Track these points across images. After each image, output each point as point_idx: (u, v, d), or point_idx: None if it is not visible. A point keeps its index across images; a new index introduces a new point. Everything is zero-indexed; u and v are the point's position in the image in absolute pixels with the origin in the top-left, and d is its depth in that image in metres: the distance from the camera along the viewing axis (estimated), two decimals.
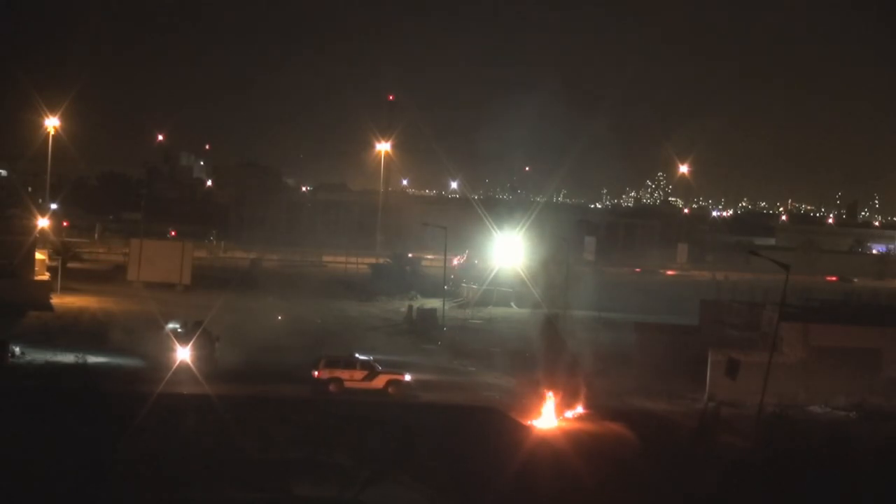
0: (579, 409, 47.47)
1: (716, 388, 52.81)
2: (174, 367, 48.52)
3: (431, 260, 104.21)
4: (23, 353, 52.63)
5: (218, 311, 64.34)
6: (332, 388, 49.20)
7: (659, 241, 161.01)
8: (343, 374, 49.62)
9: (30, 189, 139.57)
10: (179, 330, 53.06)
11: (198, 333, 51.42)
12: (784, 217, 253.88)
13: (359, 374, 49.79)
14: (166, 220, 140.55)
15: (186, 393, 45.29)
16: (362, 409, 46.40)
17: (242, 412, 42.48)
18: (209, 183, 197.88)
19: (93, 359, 51.88)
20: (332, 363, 50.03)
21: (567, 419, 46.67)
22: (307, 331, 66.73)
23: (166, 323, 55.73)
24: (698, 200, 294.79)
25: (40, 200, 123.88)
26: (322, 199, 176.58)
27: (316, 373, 49.58)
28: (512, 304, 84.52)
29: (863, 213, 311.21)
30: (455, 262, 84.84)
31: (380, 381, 49.81)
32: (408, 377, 50.49)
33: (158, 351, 51.77)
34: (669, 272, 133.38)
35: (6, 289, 68.77)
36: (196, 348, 50.34)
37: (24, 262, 73.71)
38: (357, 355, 51.13)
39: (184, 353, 49.65)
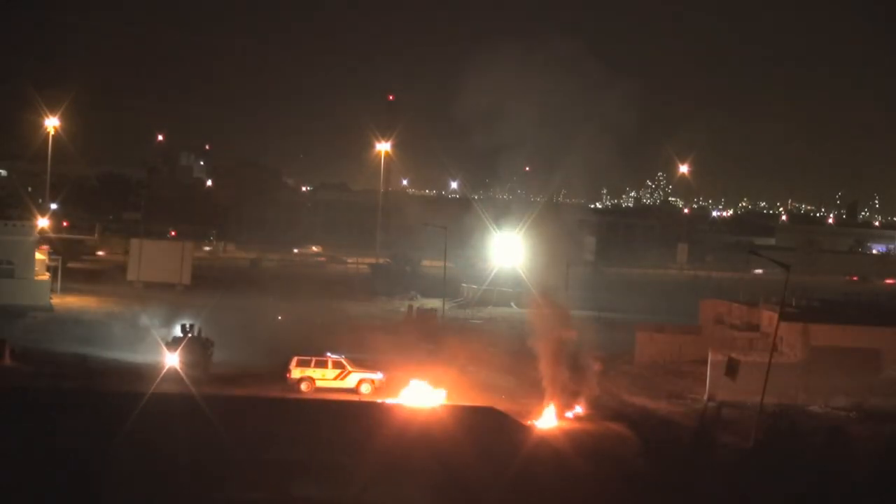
0: (579, 410, 47.48)
1: (716, 388, 52.80)
2: (162, 372, 48.31)
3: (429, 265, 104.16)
4: (22, 352, 52.61)
5: (215, 312, 64.42)
6: (303, 387, 49.57)
7: (659, 241, 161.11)
8: (315, 374, 49.91)
9: (30, 189, 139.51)
10: (179, 335, 52.43)
11: (186, 339, 51.12)
12: (784, 217, 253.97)
13: (330, 374, 50.14)
14: (166, 220, 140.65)
15: (185, 394, 45.24)
16: (361, 408, 46.57)
17: (240, 412, 42.55)
18: (209, 183, 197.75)
19: (91, 360, 51.99)
20: (304, 363, 50.36)
21: (567, 419, 46.68)
22: (307, 331, 66.69)
23: (174, 325, 55.52)
24: (698, 200, 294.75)
25: (40, 200, 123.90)
26: (322, 199, 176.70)
27: (288, 372, 49.89)
28: (512, 304, 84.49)
29: (863, 214, 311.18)
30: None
31: (352, 380, 50.16)
32: (380, 376, 50.70)
33: (154, 354, 51.65)
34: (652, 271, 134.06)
35: (6, 289, 68.83)
36: (186, 353, 50.09)
37: (24, 262, 73.74)
38: (329, 354, 51.39)
39: (172, 359, 49.39)
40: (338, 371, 50.37)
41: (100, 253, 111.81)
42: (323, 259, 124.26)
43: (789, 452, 37.88)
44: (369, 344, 60.28)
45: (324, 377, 50.14)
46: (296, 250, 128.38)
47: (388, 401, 48.37)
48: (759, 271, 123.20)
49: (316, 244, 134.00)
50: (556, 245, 56.93)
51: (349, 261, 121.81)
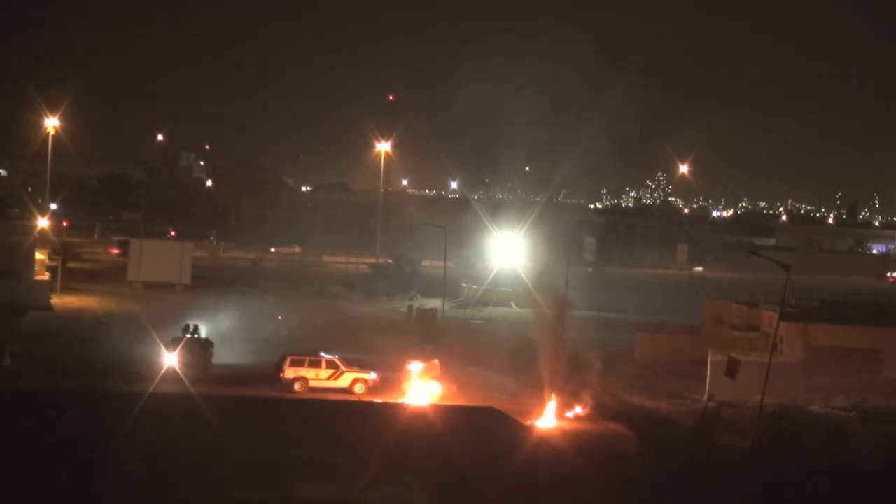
0: (579, 409, 47.49)
1: (716, 388, 52.80)
2: (161, 373, 48.22)
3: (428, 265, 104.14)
4: (22, 352, 52.56)
5: (215, 312, 64.43)
6: (297, 386, 49.69)
7: (659, 241, 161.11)
8: (308, 373, 50.03)
9: (30, 189, 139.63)
10: (179, 335, 52.21)
11: (185, 339, 51.04)
12: (784, 217, 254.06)
13: (324, 373, 50.24)
14: (166, 220, 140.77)
15: (185, 394, 45.23)
16: (360, 408, 46.58)
17: (240, 412, 42.55)
18: (209, 183, 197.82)
19: (91, 360, 51.93)
20: (297, 362, 50.44)
21: (567, 419, 46.69)
22: (307, 331, 66.76)
23: (173, 326, 55.45)
24: (698, 200, 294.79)
25: (40, 200, 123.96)
26: (322, 199, 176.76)
27: (281, 372, 50.03)
28: (512, 304, 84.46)
29: (863, 214, 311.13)
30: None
31: (345, 380, 50.24)
32: (373, 375, 50.82)
33: (154, 354, 51.59)
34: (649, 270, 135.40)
35: (6, 289, 68.73)
36: (185, 354, 50.09)
37: (24, 262, 73.67)
38: (322, 354, 51.45)
39: (171, 360, 49.34)
40: (331, 371, 50.44)
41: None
42: (330, 259, 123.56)
43: (789, 452, 37.89)
44: (369, 344, 60.34)
45: (317, 377, 50.19)
46: (273, 249, 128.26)
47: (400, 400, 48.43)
48: (699, 269, 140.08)
49: (299, 243, 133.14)
50: (556, 245, 56.99)
51: (330, 260, 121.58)
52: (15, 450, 34.61)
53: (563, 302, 53.16)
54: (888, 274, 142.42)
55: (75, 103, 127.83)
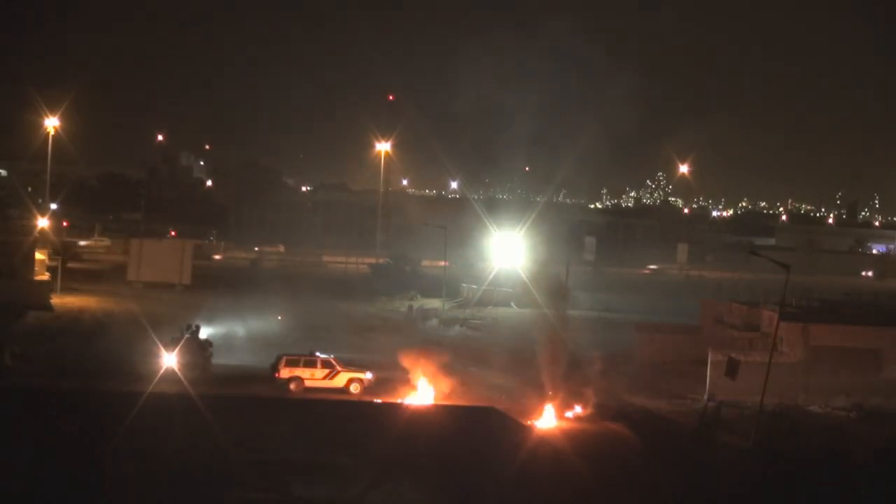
0: (579, 409, 47.49)
1: (716, 388, 52.80)
2: (160, 373, 48.16)
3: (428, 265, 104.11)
4: (22, 352, 52.57)
5: (215, 312, 64.43)
6: (292, 386, 49.69)
7: (659, 241, 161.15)
8: (303, 373, 49.99)
9: (30, 189, 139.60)
10: (177, 335, 52.17)
11: (184, 339, 50.98)
12: (784, 217, 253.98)
13: (319, 373, 50.19)
14: (166, 220, 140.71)
15: (185, 394, 45.21)
16: (360, 408, 46.59)
17: (240, 412, 42.55)
18: (209, 183, 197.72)
19: (91, 360, 51.96)
20: (293, 362, 50.41)
21: (567, 419, 46.69)
22: (307, 331, 66.71)
23: (172, 325, 55.46)
24: (698, 200, 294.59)
25: (40, 200, 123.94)
26: (322, 199, 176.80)
27: (277, 372, 50.04)
28: (512, 304, 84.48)
29: (863, 214, 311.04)
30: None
31: (341, 380, 50.24)
32: (369, 375, 50.84)
33: (154, 355, 51.59)
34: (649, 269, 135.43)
35: (6, 289, 68.78)
36: (184, 354, 50.04)
37: (24, 262, 73.70)
38: (318, 354, 51.40)
39: (171, 360, 49.30)
40: (327, 371, 50.37)
41: (217, 256, 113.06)
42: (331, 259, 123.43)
43: (789, 452, 37.90)
44: (369, 344, 60.32)
45: (313, 377, 50.08)
46: (256, 248, 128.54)
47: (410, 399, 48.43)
48: (654, 266, 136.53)
49: (301, 244, 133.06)
50: (555, 245, 57.05)
51: (330, 260, 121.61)
52: (15, 450, 34.62)
53: (562, 291, 53.14)
54: (863, 273, 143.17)
55: (75, 103, 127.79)
